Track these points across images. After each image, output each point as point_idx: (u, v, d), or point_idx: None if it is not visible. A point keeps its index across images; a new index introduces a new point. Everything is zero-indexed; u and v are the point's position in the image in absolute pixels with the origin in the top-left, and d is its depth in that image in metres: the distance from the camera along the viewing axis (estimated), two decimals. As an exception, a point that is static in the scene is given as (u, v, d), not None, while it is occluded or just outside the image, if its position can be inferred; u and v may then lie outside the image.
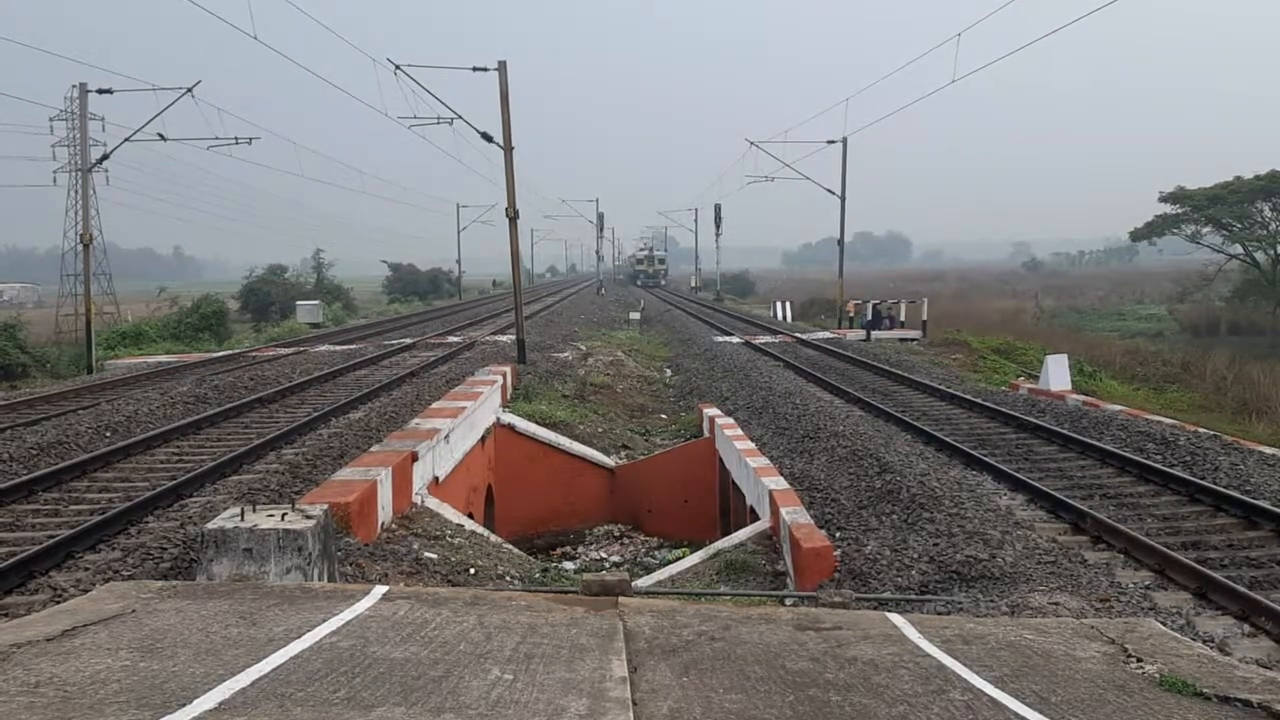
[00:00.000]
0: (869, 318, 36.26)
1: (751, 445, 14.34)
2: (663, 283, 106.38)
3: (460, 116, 26.51)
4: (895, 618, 6.44)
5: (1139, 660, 5.50)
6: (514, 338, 26.57)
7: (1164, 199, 60.00)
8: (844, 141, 42.32)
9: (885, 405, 18.19)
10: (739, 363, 26.49)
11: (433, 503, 11.35)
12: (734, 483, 14.52)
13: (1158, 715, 4.68)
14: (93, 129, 33.62)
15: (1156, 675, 5.23)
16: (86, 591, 6.98)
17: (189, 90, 28.81)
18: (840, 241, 46.39)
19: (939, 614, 7.63)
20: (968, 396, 19.06)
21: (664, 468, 17.47)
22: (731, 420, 16.97)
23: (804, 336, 34.08)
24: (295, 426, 14.85)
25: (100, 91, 31.13)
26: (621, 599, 6.56)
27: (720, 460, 15.94)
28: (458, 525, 11.25)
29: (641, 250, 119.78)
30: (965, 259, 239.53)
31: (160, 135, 30.31)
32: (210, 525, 6.87)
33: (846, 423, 16.28)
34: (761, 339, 33.46)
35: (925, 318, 36.85)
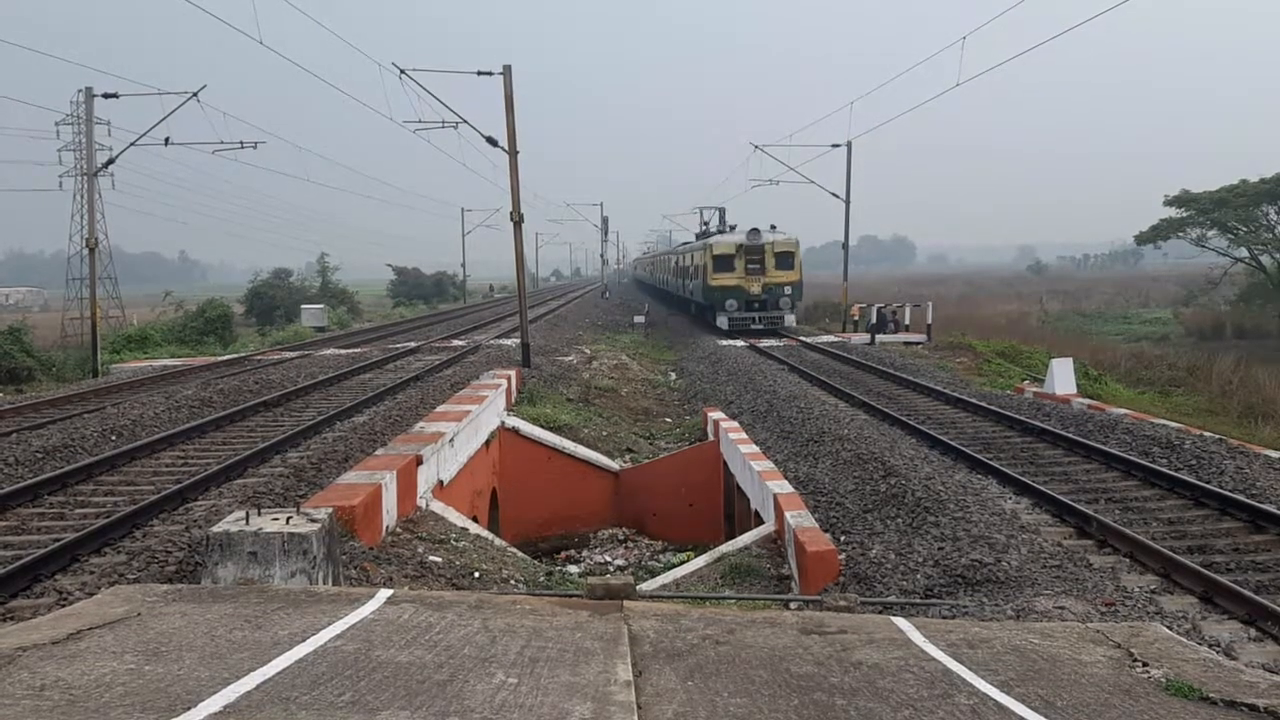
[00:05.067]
0: (873, 321, 36.19)
1: (756, 449, 14.33)
2: (789, 318, 38.27)
3: (465, 120, 26.56)
4: (900, 621, 6.43)
5: (1144, 665, 5.48)
6: (518, 341, 26.59)
7: (1169, 202, 59.85)
8: (848, 145, 42.31)
9: (890, 409, 18.17)
10: (743, 366, 26.47)
11: (437, 506, 11.35)
12: (738, 486, 14.51)
13: (1164, 720, 4.67)
14: (98, 133, 33.82)
15: (1162, 680, 5.22)
16: (92, 595, 6.99)
17: (194, 95, 28.85)
18: (845, 245, 46.36)
19: (944, 618, 7.63)
20: (972, 400, 19.03)
21: (668, 471, 17.45)
22: (736, 424, 16.97)
23: (808, 340, 34.05)
24: (300, 430, 14.87)
25: (106, 96, 31.20)
26: (626, 603, 6.56)
27: (725, 464, 15.93)
28: (462, 529, 11.25)
29: (717, 233, 44.19)
30: (970, 262, 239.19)
31: (166, 140, 30.39)
32: (215, 529, 6.88)
33: (851, 426, 16.27)
34: (766, 342, 33.43)
35: (930, 321, 36.79)
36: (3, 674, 4.64)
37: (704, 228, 53.59)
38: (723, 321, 37.24)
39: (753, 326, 36.89)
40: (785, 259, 37.44)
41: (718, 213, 51.08)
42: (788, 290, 37.34)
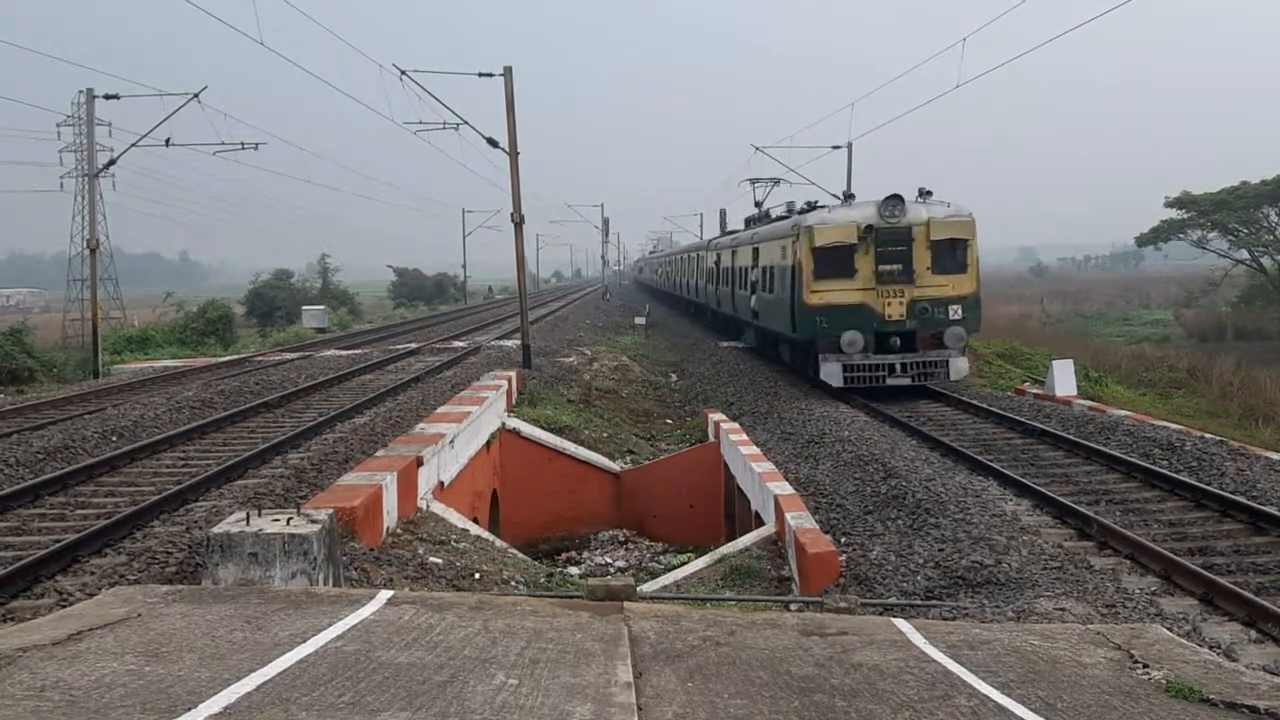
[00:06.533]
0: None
1: (757, 450, 14.33)
2: (959, 364, 20.22)
3: (466, 122, 26.57)
4: (901, 623, 6.43)
5: (1145, 666, 5.48)
6: (519, 343, 26.59)
7: (1170, 204, 59.89)
8: (849, 146, 42.30)
9: (890, 410, 18.15)
10: (744, 368, 26.47)
11: (438, 507, 11.35)
12: (739, 488, 14.51)
13: (1164, 721, 4.67)
14: (99, 134, 33.88)
15: (1163, 681, 5.21)
16: (92, 596, 7.00)
17: (195, 96, 28.84)
18: (845, 247, 45.98)
19: (944, 619, 7.62)
20: (973, 401, 19.01)
21: (669, 473, 17.45)
22: (737, 425, 16.96)
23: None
24: (300, 431, 14.87)
25: (107, 97, 31.24)
26: (626, 604, 6.56)
27: (725, 465, 15.93)
28: (463, 530, 11.25)
29: (789, 211, 26.37)
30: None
31: (167, 141, 30.38)
32: (216, 529, 6.88)
33: (851, 428, 16.27)
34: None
35: (931, 323, 36.62)
36: (3, 674, 4.64)
37: (757, 210, 35.00)
38: (832, 372, 19.87)
39: (891, 381, 19.81)
40: (951, 251, 20.31)
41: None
42: (956, 312, 20.03)
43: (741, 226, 34.85)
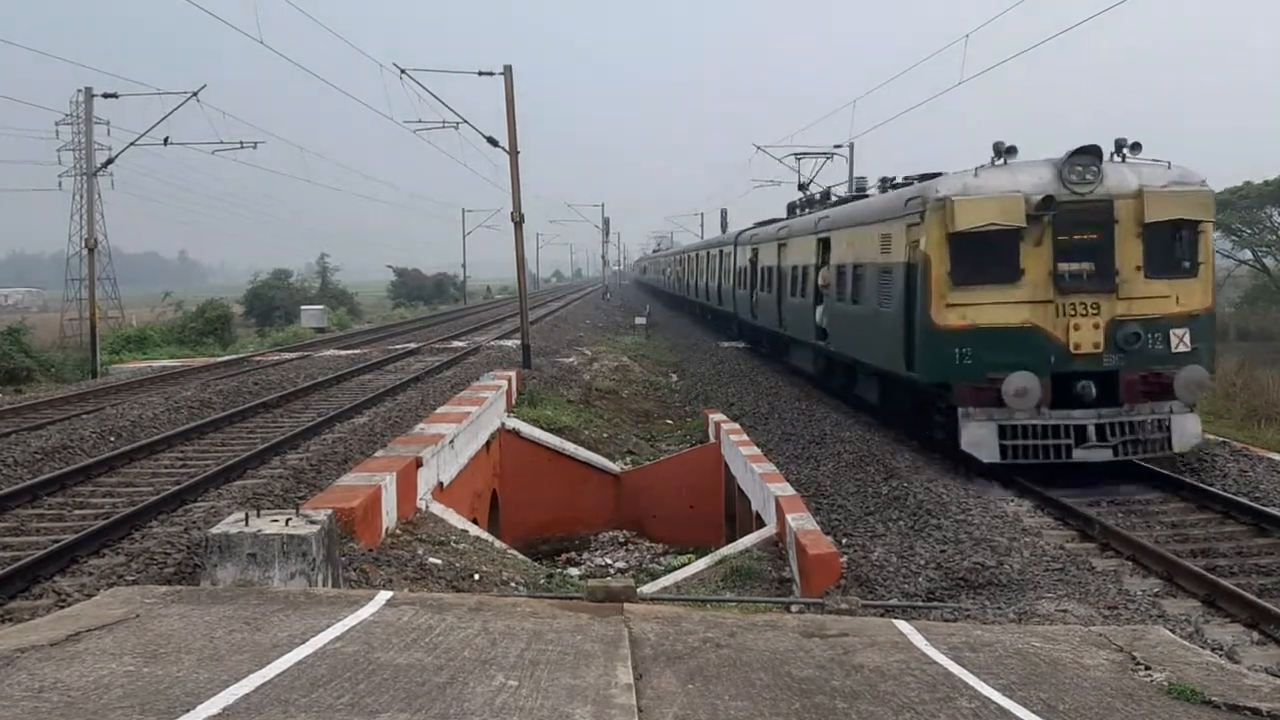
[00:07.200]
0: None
1: (757, 451, 14.30)
2: (1189, 425, 12.33)
3: (466, 121, 26.56)
4: (902, 625, 6.41)
5: (1147, 668, 5.46)
6: (519, 343, 26.56)
7: (1171, 204, 59.82)
8: (850, 146, 42.25)
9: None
10: (745, 368, 26.45)
11: (437, 508, 11.32)
12: (740, 489, 14.49)
13: (1167, 724, 4.65)
14: (98, 133, 33.79)
15: (1165, 683, 5.19)
16: (91, 596, 6.98)
17: (194, 95, 28.79)
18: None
19: (946, 621, 7.61)
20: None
21: (669, 474, 17.43)
22: (737, 426, 16.93)
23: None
24: (299, 431, 14.85)
25: (106, 96, 31.21)
26: (627, 605, 6.54)
27: (726, 466, 15.90)
28: (462, 531, 11.22)
29: (897, 183, 16.56)
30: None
31: (165, 139, 30.32)
32: (214, 530, 6.86)
33: (853, 429, 16.25)
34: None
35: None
36: (2, 675, 4.62)
37: (802, 193, 28.01)
38: (981, 440, 12.29)
39: (1080, 454, 12.11)
40: (1175, 241, 12.87)
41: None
42: (1183, 339, 12.69)
43: (769, 218, 28.59)
